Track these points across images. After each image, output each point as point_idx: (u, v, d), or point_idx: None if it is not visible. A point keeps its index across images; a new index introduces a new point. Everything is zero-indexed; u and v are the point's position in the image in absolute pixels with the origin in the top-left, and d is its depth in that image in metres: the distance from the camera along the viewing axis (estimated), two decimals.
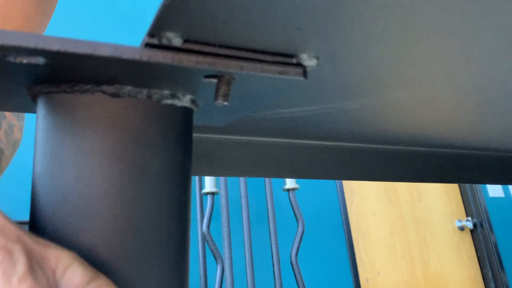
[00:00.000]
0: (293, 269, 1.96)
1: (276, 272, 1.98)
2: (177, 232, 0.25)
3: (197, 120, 0.33)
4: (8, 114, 0.40)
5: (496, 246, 2.80)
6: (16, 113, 0.42)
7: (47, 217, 0.23)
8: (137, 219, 0.23)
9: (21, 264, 0.18)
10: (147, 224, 0.23)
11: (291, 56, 0.21)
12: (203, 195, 2.11)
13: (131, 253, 0.23)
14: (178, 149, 0.26)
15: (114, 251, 0.22)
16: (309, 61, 0.21)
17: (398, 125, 0.45)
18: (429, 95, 0.34)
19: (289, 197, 2.07)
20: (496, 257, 2.77)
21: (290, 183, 2.09)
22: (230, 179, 2.24)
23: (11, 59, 0.19)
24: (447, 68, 0.28)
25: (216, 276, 1.89)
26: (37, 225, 0.23)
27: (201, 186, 2.11)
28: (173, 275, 0.24)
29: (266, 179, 2.17)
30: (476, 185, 2.95)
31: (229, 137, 0.51)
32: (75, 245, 0.22)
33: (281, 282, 1.96)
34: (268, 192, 2.15)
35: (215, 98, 0.22)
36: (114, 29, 2.29)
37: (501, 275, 2.72)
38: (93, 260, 0.22)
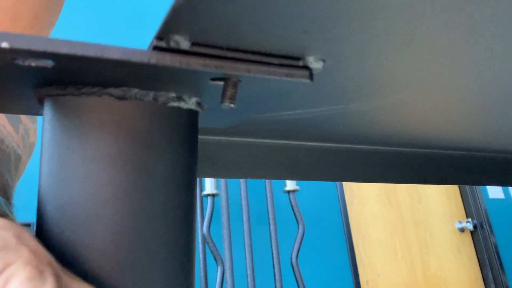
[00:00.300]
0: (294, 271, 1.96)
1: (276, 274, 1.98)
2: (183, 234, 0.25)
3: (201, 122, 0.33)
4: (23, 117, 0.41)
5: (496, 247, 2.80)
6: (30, 116, 0.42)
7: (53, 219, 0.23)
8: (143, 221, 0.23)
9: (50, 284, 0.18)
10: (154, 226, 0.23)
11: (297, 58, 0.21)
12: (203, 197, 2.11)
13: (138, 255, 0.23)
14: (184, 151, 0.26)
15: (121, 254, 0.22)
16: (315, 64, 0.22)
17: (401, 127, 0.45)
18: (433, 97, 0.34)
19: (290, 199, 2.07)
20: (497, 258, 2.77)
21: (290, 185, 2.09)
22: (231, 180, 2.24)
23: (19, 62, 0.19)
24: (452, 70, 0.28)
25: (216, 278, 1.88)
26: (43, 227, 0.23)
27: (202, 188, 2.11)
28: (180, 277, 0.24)
29: (267, 181, 2.18)
30: (476, 186, 2.96)
31: (231, 139, 0.51)
32: (81, 247, 0.22)
33: (281, 284, 1.96)
34: (268, 194, 2.15)
35: (222, 101, 0.22)
36: (112, 32, 2.29)
37: (502, 276, 2.72)
38: (99, 263, 0.22)
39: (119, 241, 0.22)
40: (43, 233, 0.23)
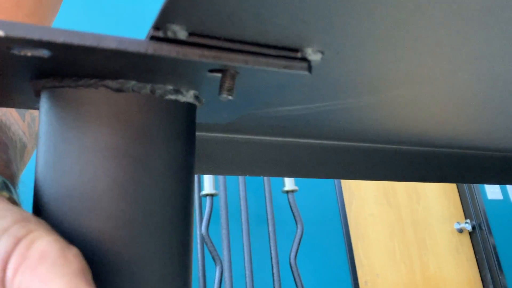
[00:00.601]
0: (292, 271, 1.96)
1: (275, 274, 1.97)
2: (180, 228, 0.25)
3: (199, 117, 0.33)
4: None
5: (494, 248, 2.81)
6: None
7: (50, 212, 0.23)
8: (140, 214, 0.23)
9: (75, 249, 0.19)
10: (151, 219, 0.23)
11: (296, 50, 0.21)
12: (202, 197, 2.10)
13: (134, 248, 0.22)
14: (181, 144, 0.26)
15: (117, 246, 0.22)
16: (314, 56, 0.21)
17: (400, 124, 0.45)
18: (432, 93, 0.34)
19: (288, 199, 2.07)
20: (495, 259, 2.77)
21: (289, 185, 2.09)
22: (229, 180, 2.24)
23: (15, 51, 0.19)
24: (451, 65, 0.28)
25: (215, 278, 1.88)
26: None
27: (200, 188, 2.11)
28: (177, 270, 0.24)
29: (265, 180, 2.17)
30: (475, 187, 2.96)
31: (229, 135, 0.51)
32: (78, 240, 0.22)
33: (280, 284, 1.96)
34: (267, 194, 2.15)
35: (220, 93, 0.22)
36: (111, 25, 2.29)
37: (500, 277, 2.72)
38: (96, 255, 0.22)
39: (116, 233, 0.22)
40: None
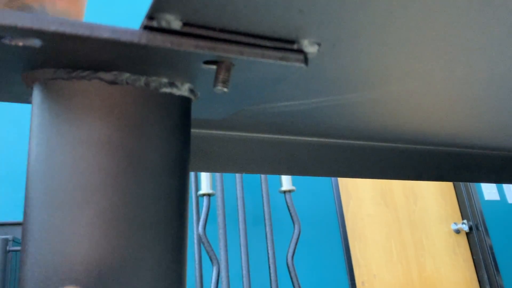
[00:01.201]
0: (289, 271, 1.95)
1: (272, 274, 1.97)
2: (175, 222, 0.24)
3: (195, 112, 0.32)
4: None
5: (491, 249, 2.81)
6: None
7: (42, 206, 0.22)
8: (134, 208, 0.23)
9: None
10: (144, 213, 0.23)
11: (292, 42, 0.21)
12: (199, 197, 2.10)
13: (128, 242, 0.22)
14: (176, 138, 0.25)
15: (110, 240, 0.22)
16: (310, 47, 0.21)
17: (397, 121, 0.45)
18: (430, 90, 0.34)
19: (286, 199, 2.07)
20: (492, 260, 2.77)
21: (286, 185, 2.09)
22: (226, 180, 2.23)
23: (6, 41, 0.19)
24: (449, 61, 0.28)
25: (211, 278, 1.88)
26: (31, 214, 0.23)
27: (197, 188, 2.10)
28: (171, 265, 0.24)
29: (262, 180, 2.17)
30: (472, 188, 2.96)
31: (227, 133, 0.51)
32: (70, 233, 0.22)
33: (277, 284, 1.95)
34: (264, 194, 2.14)
35: (215, 85, 0.22)
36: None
37: (497, 278, 2.73)
38: (88, 250, 0.22)
39: (108, 227, 0.22)
40: (31, 219, 0.23)
